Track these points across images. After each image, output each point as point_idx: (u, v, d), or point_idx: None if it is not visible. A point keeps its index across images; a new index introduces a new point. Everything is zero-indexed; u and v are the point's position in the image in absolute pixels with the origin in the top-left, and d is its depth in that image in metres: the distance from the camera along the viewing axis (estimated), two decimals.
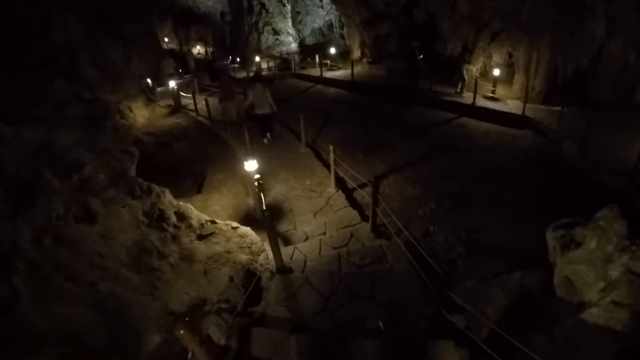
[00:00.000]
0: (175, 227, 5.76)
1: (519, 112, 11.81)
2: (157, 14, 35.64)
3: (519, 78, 13.80)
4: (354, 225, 6.45)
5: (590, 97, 12.22)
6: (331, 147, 7.78)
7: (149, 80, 17.80)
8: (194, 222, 6.00)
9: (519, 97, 13.06)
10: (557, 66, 12.57)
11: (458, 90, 14.28)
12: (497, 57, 14.90)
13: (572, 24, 11.85)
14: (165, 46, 36.12)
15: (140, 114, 15.20)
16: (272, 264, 5.18)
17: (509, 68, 14.37)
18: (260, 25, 28.94)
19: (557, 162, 9.15)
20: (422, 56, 14.50)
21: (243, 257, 5.35)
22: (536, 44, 12.88)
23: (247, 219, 7.09)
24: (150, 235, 5.33)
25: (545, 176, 8.37)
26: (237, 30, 31.66)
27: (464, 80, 14.11)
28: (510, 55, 14.35)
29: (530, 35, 13.00)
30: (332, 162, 7.80)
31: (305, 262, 5.24)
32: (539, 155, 9.71)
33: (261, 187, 6.12)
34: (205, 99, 13.26)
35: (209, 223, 6.16)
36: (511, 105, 13.03)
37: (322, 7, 29.07)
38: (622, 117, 11.12)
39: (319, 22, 29.99)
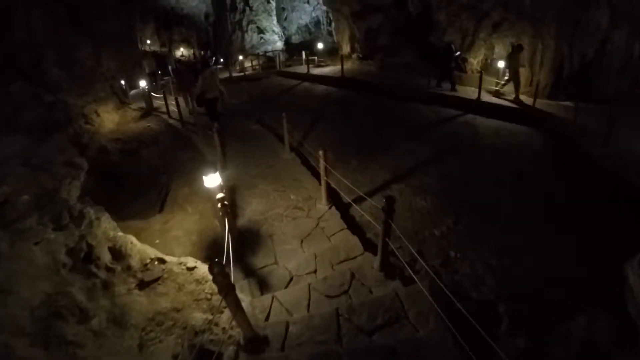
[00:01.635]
0: (109, 269, 4.24)
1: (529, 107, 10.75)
2: (138, 14, 34.21)
3: (523, 71, 12.54)
4: (355, 257, 4.83)
5: (595, 91, 11.26)
6: (321, 153, 5.93)
7: (122, 82, 16.34)
8: (135, 263, 4.45)
9: (523, 91, 12.00)
10: (562, 58, 11.52)
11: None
12: (499, 49, 13.67)
13: (577, 12, 10.91)
14: (147, 48, 35.39)
15: (109, 119, 13.69)
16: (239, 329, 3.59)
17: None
18: (244, 23, 27.42)
19: (583, 163, 7.85)
20: (458, 53, 13.02)
21: (198, 318, 3.76)
22: (541, 34, 11.81)
23: (215, 248, 5.48)
24: (72, 285, 3.82)
25: (576, 181, 7.13)
26: (221, 30, 30.18)
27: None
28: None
29: (534, 25, 11.93)
30: (322, 171, 6.06)
31: (287, 326, 3.56)
32: (561, 155, 8.46)
33: (226, 211, 4.50)
34: (176, 100, 11.78)
35: (156, 262, 4.59)
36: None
37: (308, 2, 27.59)
38: (633, 110, 9.88)
39: (305, 19, 28.48)
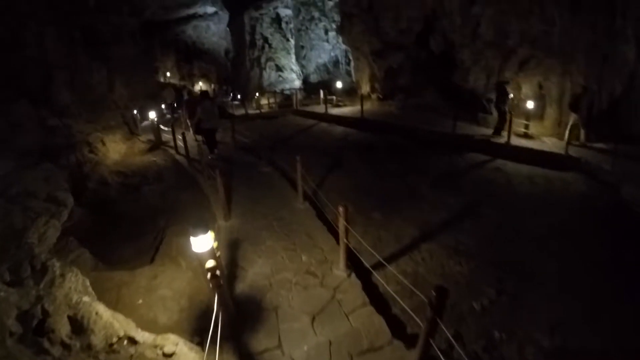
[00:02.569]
0: (65, 346, 3.27)
1: (561, 151, 9.87)
2: (159, 46, 35.25)
3: (551, 112, 11.97)
4: (381, 347, 3.72)
5: (624, 129, 10.56)
6: (341, 209, 4.73)
7: (135, 112, 15.87)
8: (98, 341, 3.44)
9: (552, 133, 11.59)
10: (592, 96, 10.73)
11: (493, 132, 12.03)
12: (526, 89, 12.87)
13: (605, 47, 10.35)
14: (167, 80, 35.78)
15: (115, 149, 12.99)
16: None
17: (539, 101, 12.28)
18: (263, 60, 27.27)
19: (628, 215, 7.02)
20: (511, 95, 12.15)
21: None
22: (569, 72, 11.15)
23: (206, 319, 4.42)
24: None
25: (623, 235, 6.26)
26: (239, 66, 30.00)
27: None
28: (540, 87, 12.35)
29: (563, 62, 11.26)
30: (342, 232, 4.87)
31: None
32: (603, 205, 7.57)
33: (217, 284, 3.48)
34: (183, 135, 11.06)
35: (125, 342, 3.57)
36: (549, 143, 11.06)
37: (327, 40, 27.28)
38: None
39: (324, 58, 28.09)
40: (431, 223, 6.90)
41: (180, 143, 11.60)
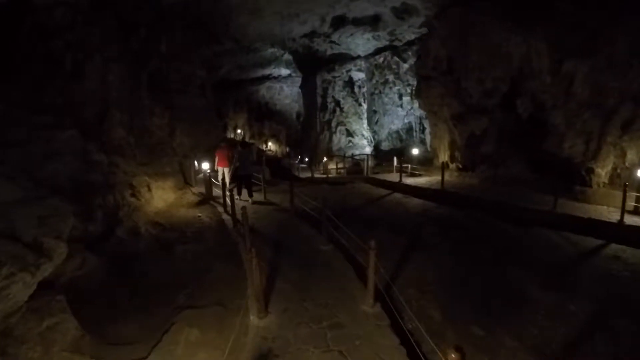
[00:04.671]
0: None
1: None
2: (232, 102, 36.75)
3: None
4: None
5: None
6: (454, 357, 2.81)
7: (195, 162, 15.23)
8: None
9: None
10: None
11: None
12: (632, 155, 10.87)
13: None
14: (236, 137, 36.46)
15: (162, 197, 12.05)
16: None
17: None
18: (334, 124, 26.41)
19: None
20: None
21: None
22: None
23: None
24: None
25: None
26: (308, 128, 29.35)
27: None
28: None
29: None
30: None
31: None
32: None
33: None
34: (230, 192, 9.55)
35: None
36: None
37: (401, 106, 25.94)
38: None
39: (397, 124, 26.75)
40: (552, 342, 4.81)
41: (229, 200, 10.13)
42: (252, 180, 12.18)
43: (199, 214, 10.82)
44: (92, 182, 9.09)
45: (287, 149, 38.50)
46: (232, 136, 36.47)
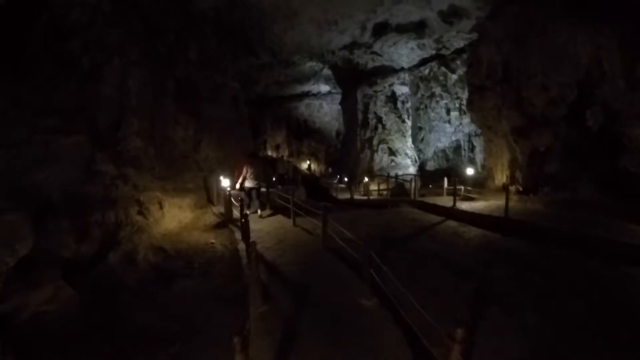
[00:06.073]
0: None
1: None
2: (271, 119, 36.12)
3: None
4: None
5: None
6: None
7: (221, 178, 13.26)
8: None
9: None
10: None
11: None
12: None
13: None
14: (274, 154, 36.08)
15: (175, 216, 10.73)
16: None
17: None
18: (375, 142, 24.76)
19: None
20: None
21: None
22: None
23: None
24: None
25: None
26: (348, 146, 27.80)
27: None
28: None
29: None
30: None
31: None
32: None
33: None
34: (246, 218, 7.85)
35: None
36: None
37: (449, 122, 23.86)
38: None
39: (444, 142, 24.69)
40: None
41: (253, 225, 8.44)
42: (261, 190, 11.30)
43: (213, 240, 9.31)
44: (88, 194, 7.93)
45: (329, 168, 37.50)
46: (270, 153, 36.01)
